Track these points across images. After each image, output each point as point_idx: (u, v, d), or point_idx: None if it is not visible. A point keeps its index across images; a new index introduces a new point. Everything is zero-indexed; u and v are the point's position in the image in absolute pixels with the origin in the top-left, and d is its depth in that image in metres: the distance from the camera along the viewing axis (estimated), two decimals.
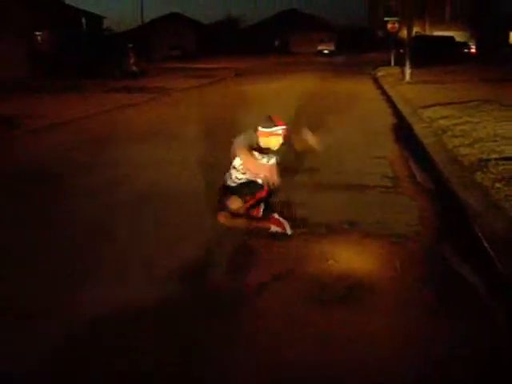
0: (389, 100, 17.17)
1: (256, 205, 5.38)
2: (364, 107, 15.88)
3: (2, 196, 7.12)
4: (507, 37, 39.18)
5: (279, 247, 5.09)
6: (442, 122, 11.00)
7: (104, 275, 4.59)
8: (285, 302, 4.10)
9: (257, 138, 5.06)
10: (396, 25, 32.91)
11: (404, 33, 31.61)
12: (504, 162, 7.27)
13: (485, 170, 7.02)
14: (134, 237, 5.48)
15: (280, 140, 4.96)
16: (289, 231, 5.26)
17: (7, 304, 4.11)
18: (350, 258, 4.84)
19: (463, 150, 8.23)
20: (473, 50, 40.87)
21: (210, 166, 8.07)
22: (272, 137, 4.90)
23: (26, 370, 3.30)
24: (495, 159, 7.51)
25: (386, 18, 34.72)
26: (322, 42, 70.31)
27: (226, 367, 3.30)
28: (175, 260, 4.84)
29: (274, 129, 4.85)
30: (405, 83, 21.89)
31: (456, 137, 9.30)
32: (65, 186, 7.44)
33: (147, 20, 67.51)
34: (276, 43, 79.00)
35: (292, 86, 22.49)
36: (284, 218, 5.37)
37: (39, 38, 34.52)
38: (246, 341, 3.59)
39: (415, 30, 41.88)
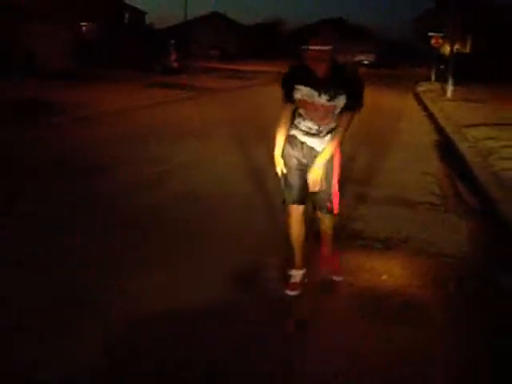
0: (430, 116, 17.06)
1: None
2: (405, 122, 15.79)
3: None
4: None
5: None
6: (488, 142, 10.91)
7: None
8: (339, 317, 4.12)
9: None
10: (440, 40, 32.72)
11: (446, 49, 31.48)
12: None
13: None
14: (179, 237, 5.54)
15: (316, 63, 3.88)
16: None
17: None
18: (403, 274, 4.83)
19: None
20: None
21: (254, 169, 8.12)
22: (305, 58, 3.89)
23: None
24: None
25: (430, 33, 34.49)
26: (361, 52, 70.07)
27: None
28: (222, 268, 4.84)
29: (304, 47, 3.83)
30: (446, 100, 21.75)
31: (504, 159, 9.21)
32: (104, 179, 7.55)
33: (189, 18, 67.96)
34: None
35: None
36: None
37: (84, 28, 34.97)
38: (300, 355, 3.58)
39: (456, 47, 41.55)
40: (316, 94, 3.96)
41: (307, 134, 4.14)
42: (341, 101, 3.97)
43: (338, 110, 4.02)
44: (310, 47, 3.79)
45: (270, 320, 3.96)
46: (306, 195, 4.27)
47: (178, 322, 3.88)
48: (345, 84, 3.97)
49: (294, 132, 4.20)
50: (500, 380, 3.39)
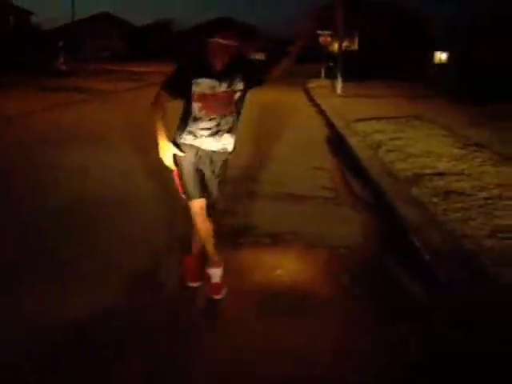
0: (321, 112, 17.46)
1: None
2: (297, 119, 16.06)
3: None
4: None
5: (228, 255, 5.08)
6: (375, 136, 11.31)
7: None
8: (237, 314, 4.12)
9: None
10: (328, 38, 33.59)
11: (334, 46, 32.35)
12: (438, 178, 7.56)
13: (420, 184, 7.27)
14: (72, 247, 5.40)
15: (218, 58, 3.94)
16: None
17: None
18: (298, 268, 4.91)
19: (398, 165, 8.49)
20: None
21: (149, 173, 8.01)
22: (208, 50, 3.92)
23: None
24: (429, 174, 7.78)
25: (318, 31, 35.30)
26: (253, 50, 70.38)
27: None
28: (120, 271, 4.75)
29: (210, 40, 3.88)
30: (336, 96, 22.36)
31: (391, 151, 9.58)
32: None
33: (77, 18, 66.20)
34: None
35: None
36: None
37: None
38: (198, 353, 3.57)
39: (345, 44, 42.77)
40: (217, 83, 3.97)
41: (204, 135, 4.07)
42: (239, 85, 4.04)
43: (237, 96, 4.08)
44: (220, 40, 3.83)
45: (170, 320, 3.93)
46: (204, 188, 4.20)
47: (87, 324, 3.77)
48: (241, 69, 4.03)
49: (186, 139, 4.12)
50: (394, 366, 3.51)
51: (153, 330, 3.79)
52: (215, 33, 3.84)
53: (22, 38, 35.60)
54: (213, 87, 3.96)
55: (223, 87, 3.99)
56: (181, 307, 4.16)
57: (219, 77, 3.96)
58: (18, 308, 4.00)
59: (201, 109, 4.01)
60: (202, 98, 3.98)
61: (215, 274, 4.30)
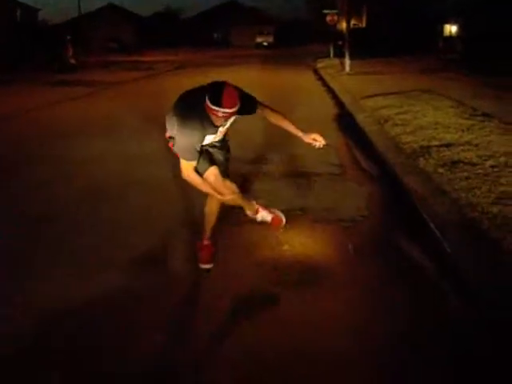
0: (330, 91, 17.43)
1: None
2: (306, 98, 16.04)
3: None
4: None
5: (235, 232, 5.19)
6: (383, 111, 11.30)
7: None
8: (242, 287, 4.21)
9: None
10: (335, 17, 33.36)
11: (342, 25, 32.15)
12: (445, 149, 7.56)
13: (427, 156, 7.28)
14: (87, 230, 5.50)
15: (221, 121, 4.05)
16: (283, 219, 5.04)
17: None
18: (305, 243, 4.98)
19: (405, 138, 8.50)
20: None
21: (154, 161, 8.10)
22: (212, 114, 3.94)
23: None
24: (436, 146, 7.79)
25: (324, 11, 35.03)
26: (260, 34, 70.23)
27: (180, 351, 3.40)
28: (136, 247, 4.91)
29: (216, 108, 3.86)
30: (345, 74, 22.26)
31: (397, 125, 9.58)
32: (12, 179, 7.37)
33: (84, 12, 66.39)
34: (215, 36, 78.98)
35: (232, 79, 22.44)
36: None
37: None
38: (204, 324, 3.68)
39: (352, 22, 42.45)
40: (218, 132, 4.26)
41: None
42: (234, 118, 4.24)
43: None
44: (223, 110, 3.86)
45: (179, 299, 4.04)
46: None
47: (97, 306, 3.91)
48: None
49: None
50: (394, 333, 3.57)
51: (163, 309, 3.91)
52: (220, 102, 3.85)
53: (30, 33, 35.71)
54: (215, 136, 4.29)
55: (223, 129, 4.31)
56: (189, 285, 4.28)
57: (219, 127, 4.19)
58: (28, 291, 4.15)
59: None
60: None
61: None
